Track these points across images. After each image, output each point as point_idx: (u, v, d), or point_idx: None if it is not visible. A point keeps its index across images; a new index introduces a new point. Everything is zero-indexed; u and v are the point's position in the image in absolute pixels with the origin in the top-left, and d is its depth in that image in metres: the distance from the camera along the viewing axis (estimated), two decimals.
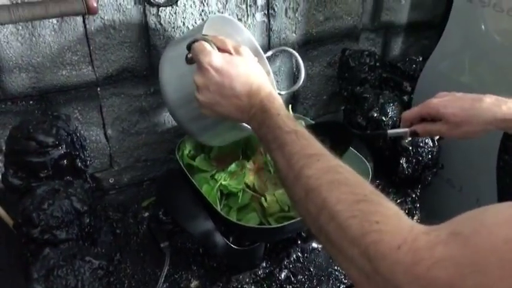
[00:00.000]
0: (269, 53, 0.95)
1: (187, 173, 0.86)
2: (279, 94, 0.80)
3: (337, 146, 0.52)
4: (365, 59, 1.11)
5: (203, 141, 0.86)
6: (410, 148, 0.99)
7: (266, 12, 1.03)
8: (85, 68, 0.87)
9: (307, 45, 1.13)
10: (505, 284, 0.31)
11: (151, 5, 0.87)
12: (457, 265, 0.33)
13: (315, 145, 0.52)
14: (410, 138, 0.87)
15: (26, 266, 0.66)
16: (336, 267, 0.88)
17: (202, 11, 0.94)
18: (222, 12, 0.97)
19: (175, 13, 0.91)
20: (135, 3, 0.86)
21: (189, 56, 0.64)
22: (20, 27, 0.78)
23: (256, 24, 1.02)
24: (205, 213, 0.81)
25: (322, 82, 1.21)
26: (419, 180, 1.02)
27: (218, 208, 0.80)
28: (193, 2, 0.92)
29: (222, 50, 0.64)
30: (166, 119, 1.01)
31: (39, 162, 0.70)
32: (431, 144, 0.99)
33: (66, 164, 0.73)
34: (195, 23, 0.94)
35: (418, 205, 1.02)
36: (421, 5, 1.25)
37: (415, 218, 0.99)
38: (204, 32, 0.72)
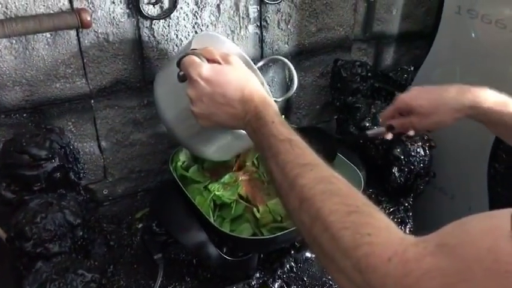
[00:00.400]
0: (260, 63, 0.96)
1: (180, 184, 0.86)
2: (275, 101, 0.81)
3: (322, 152, 0.53)
4: (357, 70, 1.12)
5: (207, 156, 0.84)
6: (402, 157, 1.00)
7: (259, 24, 1.04)
8: (79, 81, 0.88)
9: (299, 55, 1.14)
10: None
11: (145, 18, 0.88)
12: (444, 276, 0.33)
13: (309, 154, 0.52)
14: (391, 135, 0.89)
15: (18, 279, 0.66)
16: (329, 277, 0.89)
17: (195, 23, 0.95)
18: (215, 25, 0.98)
19: (168, 26, 0.92)
20: (128, 17, 0.87)
21: (181, 73, 0.65)
22: (14, 41, 0.79)
23: (249, 36, 1.04)
24: (198, 224, 0.81)
25: (315, 92, 1.22)
26: (412, 188, 1.02)
27: (211, 219, 0.80)
28: (186, 14, 0.93)
29: (211, 61, 0.65)
30: (160, 130, 1.02)
31: (32, 175, 0.71)
32: (423, 153, 1.00)
33: (59, 176, 0.74)
34: (188, 35, 0.95)
35: (410, 213, 1.03)
36: (412, 16, 1.27)
37: (407, 226, 0.99)
38: (193, 45, 0.73)
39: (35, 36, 0.80)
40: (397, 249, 0.37)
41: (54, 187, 0.74)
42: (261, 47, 1.07)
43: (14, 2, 0.76)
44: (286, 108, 1.19)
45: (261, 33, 1.05)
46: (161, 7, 0.89)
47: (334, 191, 0.46)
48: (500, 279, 0.31)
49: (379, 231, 0.40)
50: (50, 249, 0.65)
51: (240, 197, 0.88)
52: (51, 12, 0.79)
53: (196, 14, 0.94)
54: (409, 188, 1.03)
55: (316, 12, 1.11)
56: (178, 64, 0.65)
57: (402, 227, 0.97)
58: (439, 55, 1.04)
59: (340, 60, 1.15)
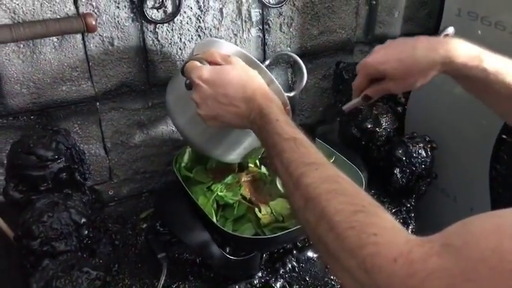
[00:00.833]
0: (267, 62, 0.98)
1: (184, 184, 0.87)
2: (288, 96, 0.82)
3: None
4: None
5: (224, 159, 0.85)
6: (404, 158, 1.00)
7: (261, 28, 1.05)
8: (84, 84, 0.89)
9: (302, 58, 1.13)
10: None
11: (149, 22, 0.90)
12: (450, 276, 0.33)
13: (314, 153, 0.52)
14: (365, 104, 0.82)
15: (25, 277, 0.68)
16: (332, 277, 0.90)
17: (199, 27, 0.97)
18: (218, 28, 0.99)
19: (172, 29, 0.94)
20: (132, 21, 0.89)
21: (187, 81, 0.66)
22: (22, 45, 0.81)
23: (252, 39, 1.05)
24: (201, 224, 0.82)
25: (318, 94, 1.23)
26: (414, 190, 1.03)
27: (214, 219, 0.82)
28: (190, 18, 0.95)
29: (213, 63, 0.66)
30: (164, 131, 1.03)
31: (39, 175, 0.73)
32: (424, 155, 1.01)
33: (65, 177, 0.75)
34: (191, 39, 0.97)
35: (412, 214, 1.03)
36: (414, 18, 1.28)
37: (410, 227, 1.00)
38: (195, 51, 0.75)
39: (42, 41, 0.82)
40: (403, 250, 0.37)
41: (61, 187, 0.75)
42: (264, 50, 1.08)
43: (22, 7, 0.78)
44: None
45: (264, 36, 1.06)
46: (165, 11, 0.91)
47: (340, 191, 0.46)
48: (506, 279, 0.31)
49: (384, 231, 0.40)
50: (56, 248, 0.67)
51: (243, 197, 0.89)
52: (58, 17, 0.81)
53: (199, 18, 0.96)
54: (411, 189, 1.03)
55: (318, 15, 1.12)
56: (183, 72, 0.66)
57: (404, 228, 0.98)
58: None
59: (342, 62, 1.17)
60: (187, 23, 0.95)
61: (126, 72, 0.93)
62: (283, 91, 0.89)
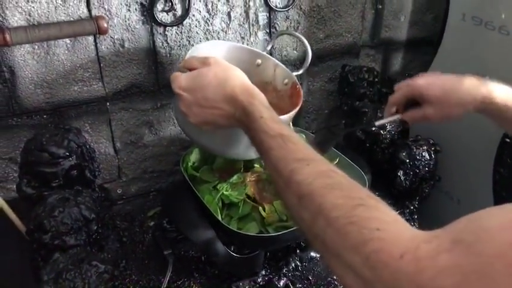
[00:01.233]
0: (269, 47, 0.99)
1: (190, 183, 0.89)
2: (297, 75, 0.85)
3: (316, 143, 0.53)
4: (364, 75, 1.14)
5: (241, 157, 0.86)
6: (407, 161, 1.01)
7: (268, 31, 1.07)
8: (95, 84, 0.92)
9: None
10: None
11: (158, 24, 0.93)
12: (463, 273, 0.32)
13: (303, 149, 0.51)
14: (399, 125, 0.86)
15: (37, 270, 0.71)
16: (335, 277, 0.91)
17: (207, 30, 0.99)
18: (226, 31, 1.02)
19: (181, 32, 0.97)
20: (143, 23, 0.91)
21: None
22: (36, 47, 0.84)
23: (259, 42, 1.07)
24: (207, 222, 0.84)
25: (324, 97, 1.25)
26: (417, 192, 1.04)
27: (219, 217, 0.83)
28: (198, 21, 0.97)
29: (192, 69, 0.64)
30: (172, 132, 1.06)
31: (51, 172, 0.75)
32: (428, 157, 1.02)
33: (76, 174, 0.78)
34: (200, 41, 0.99)
35: (416, 217, 1.04)
36: (419, 22, 1.29)
37: None
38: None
39: (56, 42, 0.85)
40: (409, 246, 0.36)
41: (71, 184, 0.78)
42: (270, 53, 1.10)
43: (37, 10, 0.81)
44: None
45: (270, 39, 1.08)
46: (174, 14, 0.94)
47: (335, 185, 0.45)
48: None
49: (387, 225, 0.39)
50: (67, 242, 0.70)
51: (248, 196, 0.91)
52: (71, 19, 0.84)
53: (207, 21, 0.99)
54: (414, 191, 1.04)
55: (325, 19, 1.14)
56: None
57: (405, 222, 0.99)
58: (444, 61, 1.06)
59: (347, 65, 1.18)
60: (196, 26, 0.98)
61: (136, 73, 0.95)
62: (290, 71, 0.91)
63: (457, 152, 1.06)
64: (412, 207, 1.04)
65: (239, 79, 0.62)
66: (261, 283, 0.86)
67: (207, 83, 0.61)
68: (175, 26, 0.95)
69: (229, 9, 1.00)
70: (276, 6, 1.04)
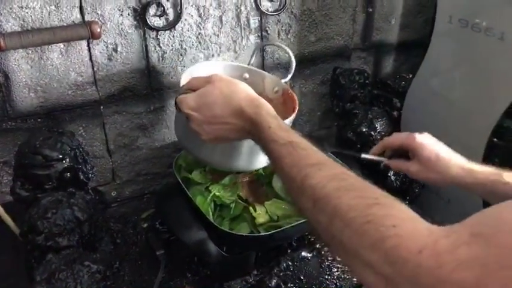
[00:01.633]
0: (252, 60, 1.01)
1: (183, 185, 0.91)
2: (285, 82, 0.87)
3: None
4: (355, 77, 1.16)
5: (250, 169, 0.87)
6: None
7: (259, 34, 1.09)
8: (89, 88, 0.94)
9: (300, 64, 1.19)
10: None
11: (151, 29, 0.94)
12: (483, 265, 0.33)
13: (314, 154, 0.52)
14: (382, 167, 0.90)
15: (30, 271, 0.72)
16: (327, 277, 0.92)
17: (199, 34, 1.01)
18: (218, 35, 1.03)
19: (173, 36, 0.98)
20: (135, 28, 0.93)
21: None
22: (30, 52, 0.85)
23: (251, 45, 1.09)
24: (199, 223, 0.85)
25: (316, 99, 1.27)
26: (408, 192, 1.06)
27: (210, 218, 0.85)
28: (190, 26, 0.99)
29: (197, 89, 0.66)
30: (166, 134, 1.07)
31: (44, 174, 0.77)
32: None
33: (69, 176, 0.79)
34: (192, 45, 1.01)
35: None
36: (410, 25, 1.31)
37: None
38: (181, 84, 0.76)
39: (50, 47, 0.86)
40: (427, 242, 0.37)
41: (65, 186, 0.79)
42: (262, 56, 1.12)
43: (31, 16, 0.83)
44: None
45: (262, 42, 1.10)
46: (166, 19, 0.95)
47: (349, 187, 0.46)
48: None
49: (404, 222, 0.40)
50: (60, 243, 0.71)
51: (240, 198, 0.92)
52: (65, 24, 0.86)
53: (200, 25, 1.00)
54: (405, 191, 1.06)
55: (316, 22, 1.16)
56: (178, 109, 0.68)
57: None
58: (433, 63, 1.07)
59: (339, 68, 1.20)
60: (188, 30, 0.99)
61: (129, 77, 0.97)
62: (278, 79, 0.93)
63: None
64: None
65: (244, 92, 0.63)
66: (252, 283, 0.87)
67: (213, 100, 0.63)
68: (167, 30, 0.96)
69: (220, 14, 1.01)
70: (267, 10, 1.06)
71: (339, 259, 0.95)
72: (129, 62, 0.95)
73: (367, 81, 1.18)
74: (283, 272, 0.90)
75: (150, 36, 0.95)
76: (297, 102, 0.88)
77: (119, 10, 0.90)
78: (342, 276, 0.94)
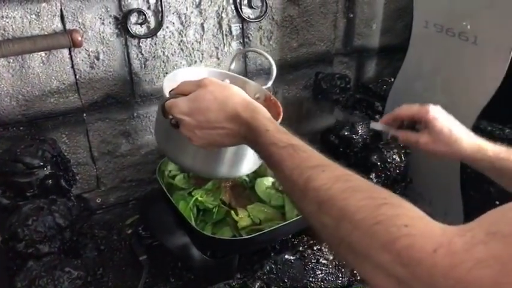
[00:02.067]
0: (232, 66, 0.98)
1: (165, 190, 0.91)
2: (267, 88, 0.87)
3: None
4: (336, 82, 1.18)
5: (241, 174, 0.84)
6: (379, 164, 1.05)
7: (242, 41, 1.11)
8: (72, 96, 0.94)
9: (282, 69, 1.21)
10: None
11: (132, 37, 0.95)
12: (501, 263, 0.32)
13: (315, 156, 0.51)
14: (388, 139, 0.86)
15: (12, 278, 0.72)
16: (311, 279, 0.93)
17: (181, 41, 1.02)
18: (200, 42, 1.05)
19: (155, 44, 0.99)
20: (117, 36, 0.94)
21: (172, 121, 0.65)
22: (11, 60, 0.86)
23: (233, 52, 1.10)
24: (182, 228, 0.86)
25: (299, 104, 1.28)
26: None
27: (192, 222, 0.85)
28: (172, 33, 1.00)
29: (188, 93, 0.64)
30: (150, 141, 1.08)
31: (25, 182, 0.77)
32: (398, 160, 1.05)
33: (51, 183, 0.80)
34: (174, 52, 1.02)
35: None
36: (391, 30, 1.33)
37: None
38: (165, 89, 0.75)
39: (31, 56, 0.87)
40: (442, 240, 0.36)
41: (46, 193, 0.80)
42: (245, 62, 1.14)
43: (11, 25, 0.83)
44: None
45: (243, 48, 1.12)
46: (148, 27, 0.97)
47: (355, 188, 0.45)
48: None
49: (415, 221, 0.39)
50: (41, 250, 0.71)
51: (223, 202, 0.93)
52: (45, 33, 0.86)
53: (181, 33, 1.01)
54: None
55: (297, 28, 1.18)
56: (164, 114, 0.66)
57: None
58: (412, 67, 1.10)
59: (320, 73, 1.22)
60: (170, 37, 1.01)
61: (112, 84, 0.98)
62: (259, 85, 0.94)
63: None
64: None
65: (239, 96, 0.62)
66: (235, 286, 0.87)
67: (207, 105, 0.61)
68: (149, 38, 0.97)
69: (202, 21, 1.03)
70: (249, 17, 1.08)
71: (323, 262, 0.97)
72: (111, 70, 0.96)
73: (348, 86, 1.21)
74: (267, 275, 0.91)
75: (132, 44, 0.97)
76: (281, 108, 0.88)
77: (100, 19, 0.91)
78: (327, 278, 0.95)
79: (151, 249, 0.90)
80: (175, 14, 0.99)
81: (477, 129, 0.97)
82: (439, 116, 0.76)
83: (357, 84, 1.32)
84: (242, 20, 1.08)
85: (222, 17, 1.05)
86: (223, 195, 0.94)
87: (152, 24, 0.97)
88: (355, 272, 0.95)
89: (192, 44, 1.04)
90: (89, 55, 0.93)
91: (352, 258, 0.42)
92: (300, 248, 0.96)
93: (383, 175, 1.05)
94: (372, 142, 1.11)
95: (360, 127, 1.11)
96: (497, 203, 1.01)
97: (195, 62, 1.06)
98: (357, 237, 0.41)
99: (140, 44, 0.97)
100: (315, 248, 0.96)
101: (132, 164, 1.08)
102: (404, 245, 0.37)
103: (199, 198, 0.91)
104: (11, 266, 0.74)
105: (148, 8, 0.95)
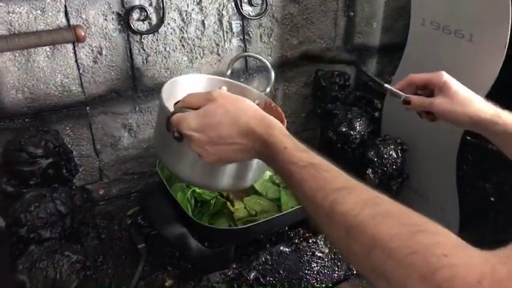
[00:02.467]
0: (228, 72, 0.97)
1: (165, 182, 0.94)
2: (265, 94, 0.86)
3: None
4: (335, 79, 1.20)
5: (246, 186, 0.80)
6: (375, 159, 1.06)
7: (242, 38, 1.13)
8: (75, 90, 0.97)
9: (283, 67, 1.23)
10: None
11: (135, 33, 0.98)
12: None
13: (339, 176, 0.48)
14: (402, 101, 0.83)
15: (14, 261, 0.75)
16: (306, 271, 0.95)
17: (182, 37, 1.05)
18: (201, 39, 1.07)
19: (157, 40, 1.02)
20: (119, 32, 0.97)
21: (176, 134, 0.62)
22: (17, 54, 0.89)
23: (233, 48, 1.13)
24: (180, 219, 0.89)
25: (300, 101, 1.30)
26: (386, 189, 1.08)
27: (189, 213, 0.88)
28: (173, 29, 1.03)
29: (196, 107, 0.61)
30: (151, 134, 1.11)
31: (29, 171, 0.80)
32: (395, 155, 1.07)
33: (53, 172, 0.83)
34: (176, 48, 1.05)
35: None
36: (391, 29, 1.34)
37: None
38: (165, 101, 0.72)
39: (36, 50, 0.90)
40: (485, 270, 0.34)
41: (49, 182, 0.83)
42: (245, 59, 1.16)
43: (18, 20, 0.87)
44: None
45: (245, 46, 1.14)
46: (149, 23, 0.99)
47: (385, 213, 0.42)
48: None
49: (454, 250, 0.37)
50: (42, 235, 0.74)
51: (221, 194, 0.96)
52: (50, 28, 0.90)
53: (182, 29, 1.04)
54: (383, 189, 1.09)
55: (297, 26, 1.19)
56: (168, 128, 0.63)
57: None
58: (409, 64, 1.11)
59: (320, 70, 1.23)
60: (171, 34, 1.03)
61: (114, 78, 1.01)
62: (258, 92, 0.95)
63: (424, 151, 1.11)
64: None
65: (251, 110, 0.59)
66: (231, 275, 0.90)
67: (218, 120, 0.57)
68: (151, 34, 1.00)
69: (203, 18, 1.05)
70: (249, 15, 1.10)
71: (319, 255, 0.98)
72: (113, 65, 0.99)
73: (347, 83, 1.22)
74: (262, 265, 0.93)
75: (134, 39, 0.99)
76: (283, 114, 0.86)
77: (103, 15, 0.94)
78: (322, 271, 0.97)
79: (150, 239, 0.92)
80: (176, 10, 1.01)
81: None
82: (454, 80, 0.77)
83: (358, 82, 1.34)
84: (242, 17, 1.10)
85: (222, 14, 1.07)
86: None
87: (154, 20, 1.00)
88: (350, 266, 0.97)
89: (193, 40, 1.06)
90: (92, 50, 0.96)
91: (387, 287, 0.40)
92: (296, 241, 0.98)
93: (379, 171, 1.06)
94: (370, 138, 1.13)
95: (357, 123, 1.13)
96: (492, 199, 1.03)
97: (196, 58, 1.09)
98: (391, 267, 0.39)
99: (142, 39, 1.00)
100: (310, 241, 0.98)
101: (134, 157, 1.11)
102: (445, 276, 0.35)
103: (197, 190, 0.94)
104: (13, 250, 0.77)
105: (150, 4, 0.98)
